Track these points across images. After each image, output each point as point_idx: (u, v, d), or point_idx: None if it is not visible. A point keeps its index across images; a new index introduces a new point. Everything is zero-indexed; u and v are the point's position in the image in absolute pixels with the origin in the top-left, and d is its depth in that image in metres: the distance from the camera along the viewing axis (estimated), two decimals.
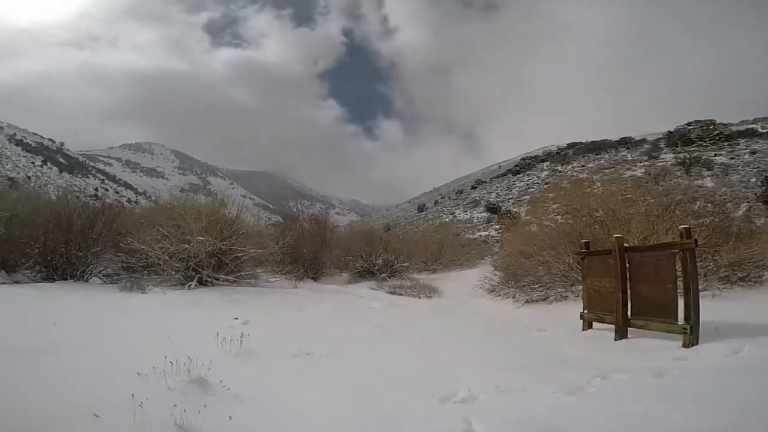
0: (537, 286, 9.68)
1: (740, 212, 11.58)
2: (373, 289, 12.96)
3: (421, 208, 50.58)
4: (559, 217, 10.89)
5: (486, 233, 26.13)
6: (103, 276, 9.82)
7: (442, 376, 3.97)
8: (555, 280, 9.39)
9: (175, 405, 2.60)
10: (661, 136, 39.32)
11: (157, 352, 3.60)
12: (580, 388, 3.37)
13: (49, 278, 8.77)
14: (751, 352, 3.94)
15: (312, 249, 15.03)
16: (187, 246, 9.16)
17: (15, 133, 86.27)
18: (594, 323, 6.26)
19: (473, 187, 51.02)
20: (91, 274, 9.62)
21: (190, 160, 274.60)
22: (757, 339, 4.21)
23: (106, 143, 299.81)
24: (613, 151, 41.19)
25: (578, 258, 7.29)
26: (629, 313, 5.48)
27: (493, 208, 31.73)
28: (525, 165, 49.06)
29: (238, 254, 10.09)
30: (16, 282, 8.23)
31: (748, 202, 14.50)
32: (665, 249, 5.35)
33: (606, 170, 24.39)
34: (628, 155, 36.69)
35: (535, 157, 53.69)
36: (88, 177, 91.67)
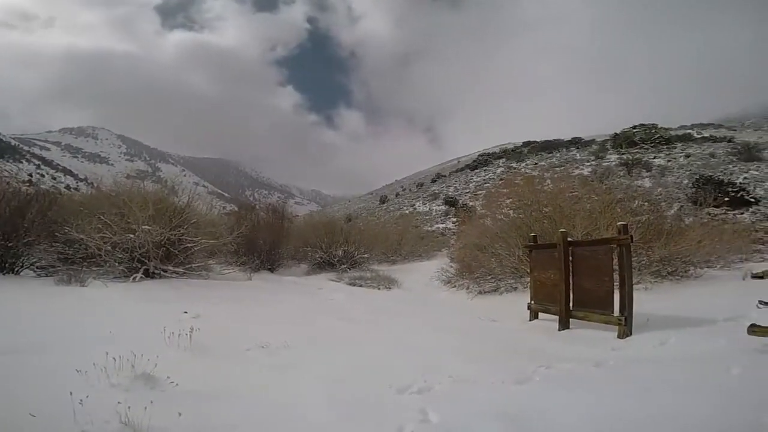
0: (489, 277, 10.04)
1: (672, 211, 12.59)
2: (333, 280, 12.90)
3: (383, 200, 50.71)
4: (511, 211, 11.28)
5: (444, 225, 26.58)
6: (37, 268, 9.04)
7: (399, 367, 4.04)
8: (506, 271, 9.76)
9: (119, 402, 2.52)
10: (608, 137, 41.94)
11: (97, 348, 3.41)
12: (528, 378, 3.57)
13: None
14: (676, 342, 4.34)
15: (269, 239, 14.67)
16: (132, 236, 8.63)
17: None
18: (540, 313, 6.60)
19: (433, 181, 51.83)
20: (22, 266, 8.82)
21: (139, 146, 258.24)
22: (681, 330, 4.64)
23: (43, 128, 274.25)
24: (564, 150, 43.33)
25: (527, 251, 7.61)
26: (571, 304, 5.83)
27: (450, 202, 32.36)
28: (482, 161, 50.40)
29: (189, 245, 9.64)
30: None
31: (679, 202, 15.78)
32: (604, 244, 5.70)
33: (557, 168, 25.65)
34: (578, 155, 38.73)
35: (492, 153, 55.35)
36: (21, 162, 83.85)
